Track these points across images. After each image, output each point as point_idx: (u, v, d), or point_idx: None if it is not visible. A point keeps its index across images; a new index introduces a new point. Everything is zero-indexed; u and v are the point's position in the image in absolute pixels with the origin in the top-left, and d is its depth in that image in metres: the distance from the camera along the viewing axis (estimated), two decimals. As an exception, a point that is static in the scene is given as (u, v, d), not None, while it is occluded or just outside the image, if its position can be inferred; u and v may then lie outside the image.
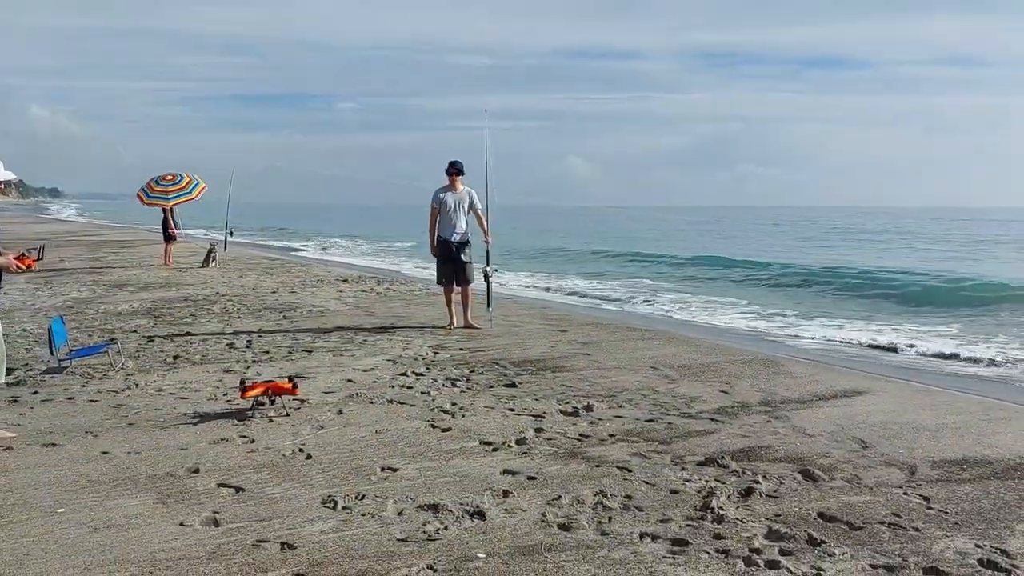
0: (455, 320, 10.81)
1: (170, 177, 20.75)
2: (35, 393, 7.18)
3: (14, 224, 52.27)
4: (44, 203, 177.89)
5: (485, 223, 10.74)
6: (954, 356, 10.76)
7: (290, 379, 6.85)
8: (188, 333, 10.39)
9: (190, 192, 20.78)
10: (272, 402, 6.63)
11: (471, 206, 10.72)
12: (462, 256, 10.67)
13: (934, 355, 10.91)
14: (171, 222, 20.74)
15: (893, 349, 11.40)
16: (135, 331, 10.57)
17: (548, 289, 20.50)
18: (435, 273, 11.20)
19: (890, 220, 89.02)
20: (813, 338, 12.41)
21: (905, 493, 4.66)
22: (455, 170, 10.71)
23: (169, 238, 20.93)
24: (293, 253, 32.80)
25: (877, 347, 11.60)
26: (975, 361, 10.43)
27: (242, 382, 6.78)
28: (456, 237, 10.64)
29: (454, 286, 10.82)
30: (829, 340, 12.24)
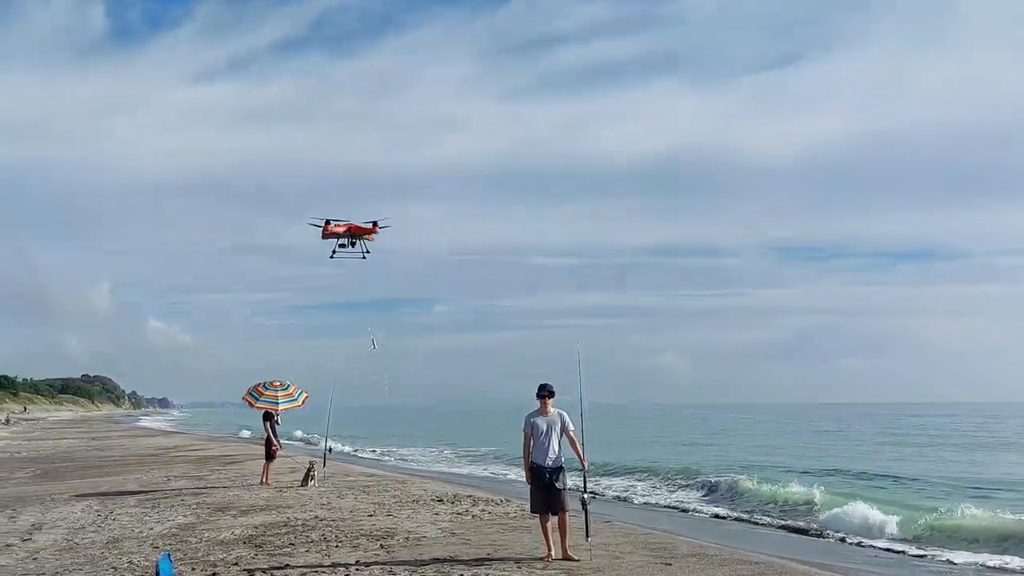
0: (552, 551, 10.51)
1: (278, 383, 21.66)
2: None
3: (123, 438, 54.61)
4: (147, 413, 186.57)
5: (579, 447, 10.66)
6: None
7: (375, 223, 6.75)
8: (287, 566, 10.40)
9: (296, 399, 21.64)
10: (353, 244, 6.56)
11: (563, 429, 10.69)
12: (556, 483, 10.52)
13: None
14: (273, 440, 21.33)
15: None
16: (236, 563, 10.64)
17: (647, 504, 19.90)
18: (529, 499, 11.02)
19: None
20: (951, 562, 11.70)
21: None
22: (546, 392, 10.76)
23: (270, 456, 21.45)
24: (391, 464, 33.02)
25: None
26: None
27: (326, 222, 6.70)
28: (549, 463, 10.55)
29: (549, 514, 10.62)
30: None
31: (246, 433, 60.28)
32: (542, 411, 10.72)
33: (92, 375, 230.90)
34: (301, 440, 48.44)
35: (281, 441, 22.82)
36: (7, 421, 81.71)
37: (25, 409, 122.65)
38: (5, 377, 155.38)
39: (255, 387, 21.69)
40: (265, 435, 21.49)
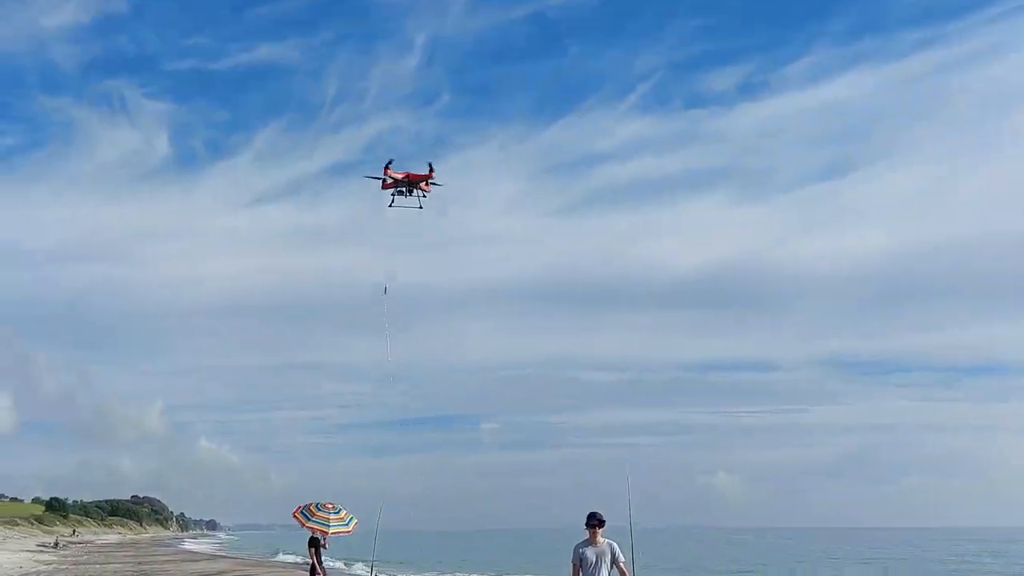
0: None
1: (330, 506, 21.33)
2: None
3: (169, 563, 54.15)
4: (194, 536, 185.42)
5: (630, 581, 10.35)
6: None
7: (430, 167, 6.47)
8: None
9: (347, 524, 21.27)
10: (410, 192, 6.37)
11: (614, 560, 10.40)
12: (608, 620, 10.18)
13: None
14: (318, 567, 20.96)
15: None
16: None
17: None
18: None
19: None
20: None
21: None
22: (596, 522, 10.50)
23: (314, 584, 21.03)
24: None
25: None
26: None
27: (385, 167, 6.45)
28: (600, 597, 10.24)
29: (601, 653, 10.22)
30: None
31: (289, 558, 59.37)
32: (591, 541, 10.48)
33: (141, 496, 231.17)
34: (339, 566, 47.52)
35: (325, 567, 22.43)
36: (56, 544, 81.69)
37: (74, 532, 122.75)
38: (56, 500, 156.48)
39: (307, 506, 21.38)
40: (310, 562, 21.17)
